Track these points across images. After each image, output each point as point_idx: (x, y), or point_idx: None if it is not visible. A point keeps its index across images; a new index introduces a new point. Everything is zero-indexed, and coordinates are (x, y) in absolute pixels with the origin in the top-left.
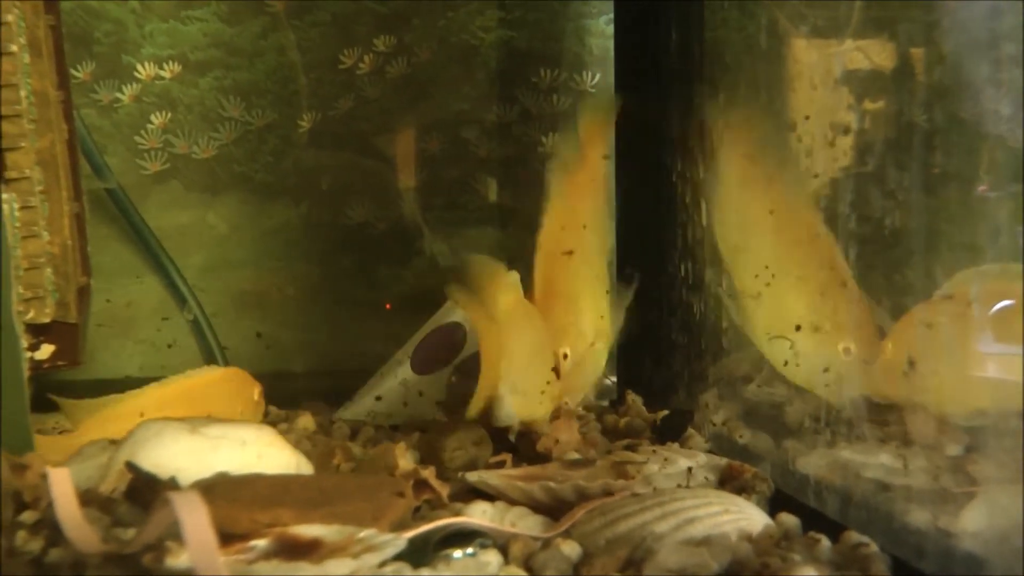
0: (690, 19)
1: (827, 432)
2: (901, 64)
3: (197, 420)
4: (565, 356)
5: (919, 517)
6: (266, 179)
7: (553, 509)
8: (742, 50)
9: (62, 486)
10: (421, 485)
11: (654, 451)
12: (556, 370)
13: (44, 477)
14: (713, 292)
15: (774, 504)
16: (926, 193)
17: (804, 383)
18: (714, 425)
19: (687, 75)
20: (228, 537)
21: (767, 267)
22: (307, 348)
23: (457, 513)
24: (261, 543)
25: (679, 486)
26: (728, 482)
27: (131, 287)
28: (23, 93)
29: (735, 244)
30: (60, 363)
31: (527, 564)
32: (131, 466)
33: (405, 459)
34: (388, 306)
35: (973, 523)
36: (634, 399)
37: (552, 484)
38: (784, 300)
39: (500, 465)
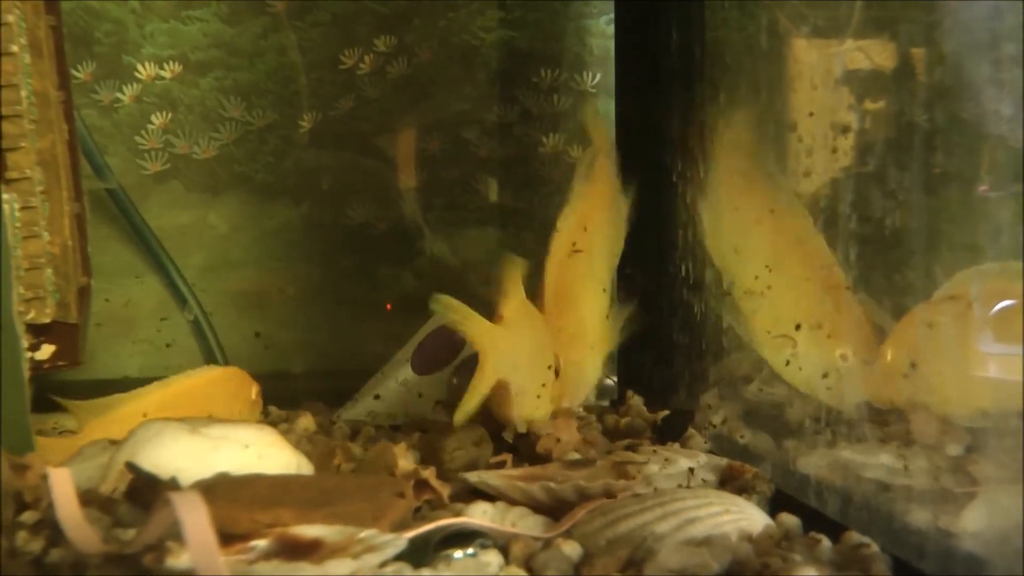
0: (691, 19)
1: (827, 432)
2: (902, 64)
3: (197, 420)
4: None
5: (920, 517)
6: (267, 179)
7: (554, 509)
8: (742, 50)
9: (63, 486)
10: (421, 485)
11: (655, 451)
12: (556, 371)
13: (45, 477)
14: (714, 292)
15: (775, 504)
16: (927, 193)
17: (804, 387)
18: (714, 426)
19: (687, 75)
20: (228, 537)
21: (758, 277)
22: (307, 348)
23: (458, 513)
24: (261, 543)
25: (680, 486)
26: (729, 482)
27: (131, 287)
28: (24, 93)
29: (731, 247)
30: (60, 363)
31: (528, 564)
32: (131, 466)
33: (405, 459)
34: (389, 306)
35: (974, 523)
36: (635, 399)
37: (553, 484)
38: (778, 305)
39: (500, 465)
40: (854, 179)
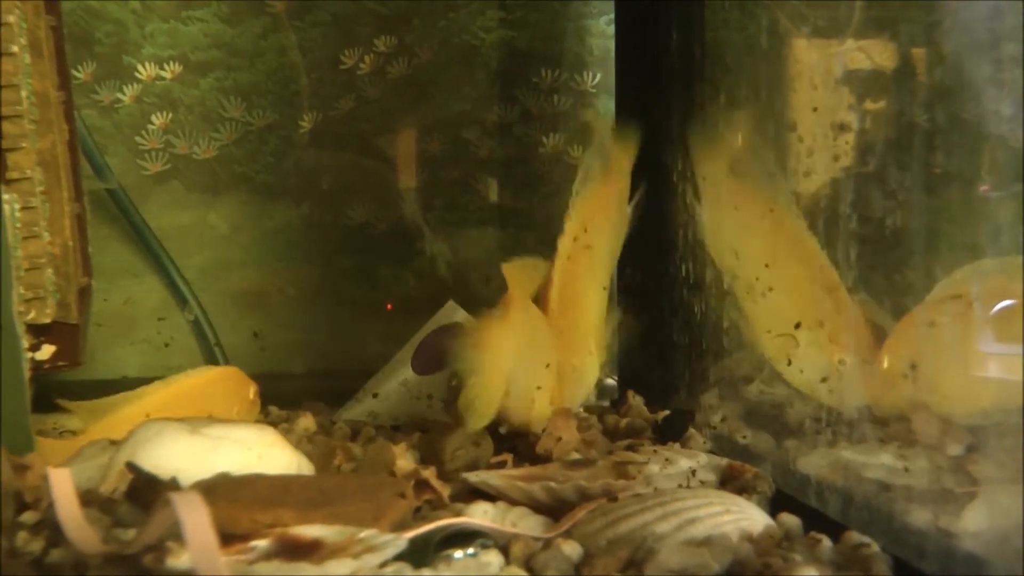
0: (691, 19)
1: (828, 432)
2: (902, 64)
3: (197, 420)
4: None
5: (920, 517)
6: (267, 179)
7: (554, 509)
8: (743, 51)
9: (63, 487)
10: (422, 485)
11: (655, 451)
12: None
13: (45, 478)
14: (714, 292)
15: (775, 504)
16: (927, 193)
17: (805, 388)
18: (713, 428)
19: (687, 75)
20: (229, 537)
21: (759, 278)
22: (307, 348)
23: (458, 513)
24: (262, 543)
25: (680, 486)
26: (729, 482)
27: (132, 287)
28: (24, 94)
29: (731, 247)
30: (61, 363)
31: (528, 564)
32: (132, 466)
33: (406, 459)
34: (389, 307)
35: (974, 523)
36: (635, 399)
37: (553, 484)
38: (779, 305)
39: (501, 465)
40: (854, 179)
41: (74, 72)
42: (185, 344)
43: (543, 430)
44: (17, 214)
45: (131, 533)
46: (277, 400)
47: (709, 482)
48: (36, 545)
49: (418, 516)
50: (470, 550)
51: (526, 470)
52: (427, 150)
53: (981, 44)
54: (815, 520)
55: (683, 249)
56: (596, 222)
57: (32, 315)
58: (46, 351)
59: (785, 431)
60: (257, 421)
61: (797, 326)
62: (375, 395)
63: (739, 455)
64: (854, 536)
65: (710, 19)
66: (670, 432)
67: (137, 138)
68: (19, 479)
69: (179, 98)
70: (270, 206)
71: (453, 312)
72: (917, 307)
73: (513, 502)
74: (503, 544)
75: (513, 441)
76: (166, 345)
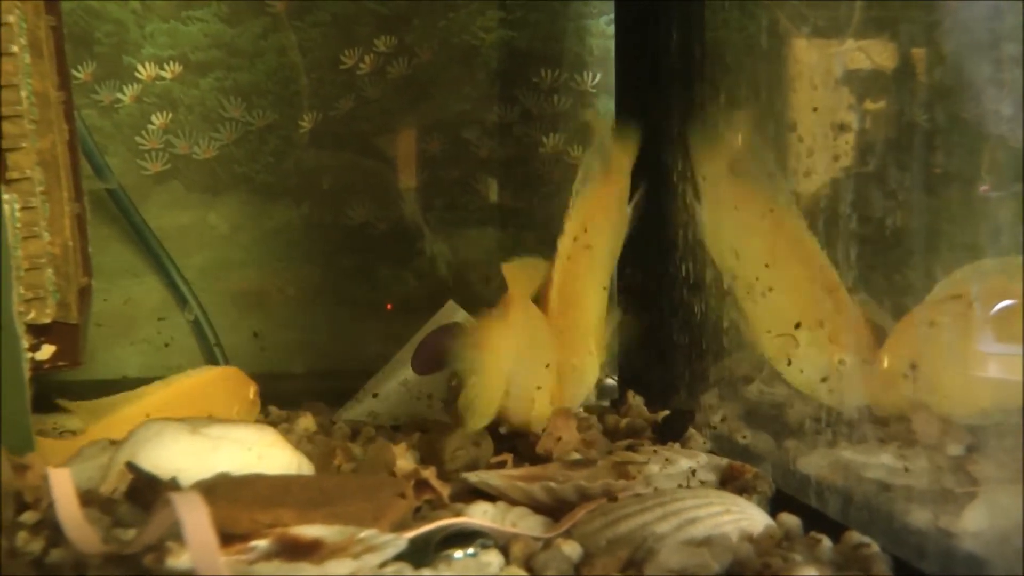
0: (691, 19)
1: (828, 432)
2: (902, 64)
3: (198, 420)
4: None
5: (920, 517)
6: (267, 179)
7: (554, 509)
8: (743, 51)
9: (63, 487)
10: (422, 485)
11: (655, 451)
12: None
13: (45, 478)
14: (714, 292)
15: (775, 504)
16: (927, 193)
17: (806, 388)
18: (713, 428)
19: (687, 75)
20: (229, 537)
21: (758, 278)
22: (308, 349)
23: (458, 513)
24: (262, 543)
25: (680, 486)
26: (729, 482)
27: (132, 287)
28: (24, 94)
29: (731, 247)
30: (61, 363)
31: (528, 564)
32: (132, 466)
33: (406, 459)
34: (389, 307)
35: (974, 523)
36: (635, 399)
37: (553, 484)
38: (779, 304)
39: (501, 465)
40: (854, 179)
41: (74, 72)
42: (185, 344)
43: (543, 430)
44: (17, 214)
45: (131, 533)
46: (277, 400)
47: (709, 482)
48: (36, 545)
49: (418, 516)
50: (470, 550)
51: (526, 470)
52: (427, 150)
53: (981, 44)
54: (815, 520)
55: (683, 249)
56: (596, 222)
57: (32, 315)
58: (46, 351)
59: (785, 431)
60: (257, 421)
61: (797, 326)
62: (375, 395)
63: (739, 455)
64: (854, 536)
65: (710, 19)
66: (670, 432)
67: (137, 138)
68: (19, 479)
69: (179, 98)
70: (270, 206)
71: (453, 312)
72: (917, 307)
73: (513, 502)
74: (503, 544)
75: (513, 441)
76: (166, 345)
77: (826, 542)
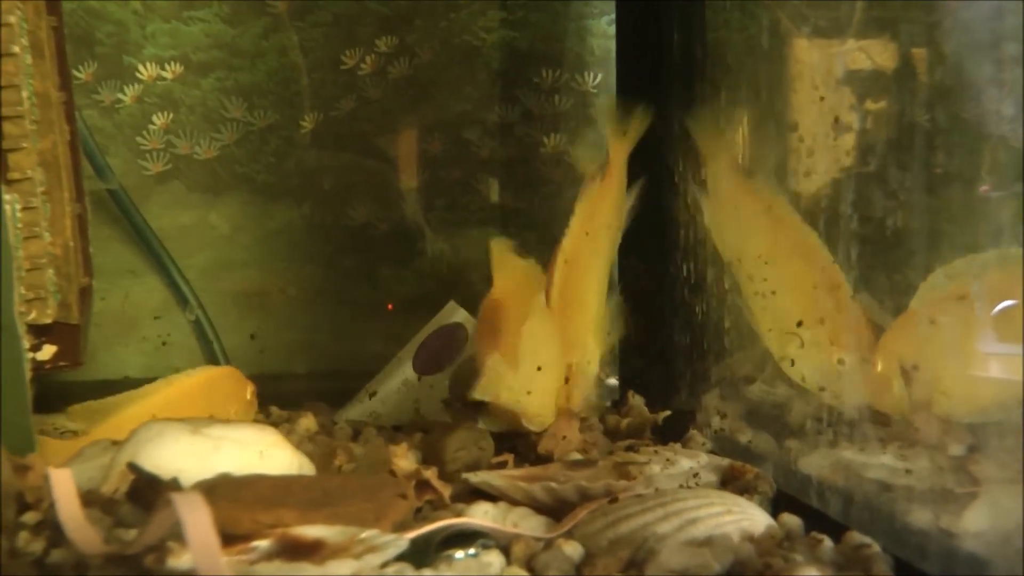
0: (692, 20)
1: (829, 432)
2: (902, 64)
3: (198, 421)
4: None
5: (921, 517)
6: (268, 180)
7: (555, 510)
8: (744, 51)
9: (64, 487)
10: (423, 486)
11: (656, 452)
12: (566, 378)
13: (46, 478)
14: (715, 293)
15: (776, 505)
16: (927, 193)
17: (809, 386)
18: (716, 430)
19: (688, 75)
20: (230, 538)
21: (766, 279)
22: (309, 349)
23: (459, 514)
24: (263, 544)
25: (681, 487)
26: (730, 482)
27: (133, 288)
28: (25, 94)
29: (735, 246)
30: (62, 364)
31: (529, 565)
32: (133, 467)
33: (407, 460)
34: (390, 307)
35: (975, 523)
36: (636, 400)
37: (554, 485)
38: (779, 306)
39: (502, 466)
40: (855, 179)
41: (75, 72)
42: (186, 344)
43: (544, 430)
44: (18, 214)
45: (132, 533)
46: (278, 400)
47: (710, 482)
48: (37, 545)
49: (419, 516)
50: (471, 550)
51: (527, 470)
52: (428, 150)
53: (981, 44)
54: (816, 520)
55: (684, 249)
56: (596, 216)
57: (33, 315)
58: (47, 351)
59: (786, 431)
60: (258, 421)
61: (799, 324)
62: (373, 393)
63: (740, 455)
64: (855, 536)
65: (711, 19)
66: (671, 432)
67: (138, 138)
68: (20, 479)
69: (180, 98)
70: (271, 206)
71: (454, 312)
72: (912, 304)
73: (514, 502)
74: (504, 544)
75: (514, 441)
76: (163, 344)
77: (827, 542)
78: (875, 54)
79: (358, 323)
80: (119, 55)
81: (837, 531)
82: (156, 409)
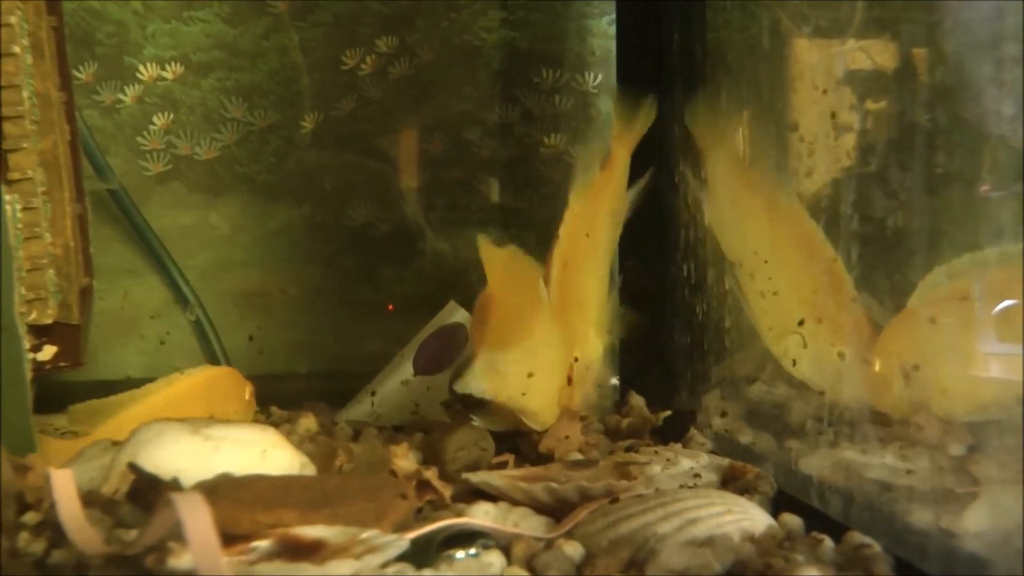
0: (692, 20)
1: (829, 432)
2: (903, 64)
3: (199, 421)
4: (576, 360)
5: (922, 517)
6: (268, 180)
7: (556, 510)
8: (744, 51)
9: (64, 487)
10: (423, 486)
11: (656, 452)
12: (569, 378)
13: (47, 478)
14: (715, 293)
15: (776, 505)
16: (928, 193)
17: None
18: (716, 430)
19: (689, 75)
20: (230, 538)
21: (771, 278)
22: (309, 349)
23: (460, 514)
24: (263, 544)
25: (681, 487)
26: (731, 482)
27: (133, 288)
28: (25, 94)
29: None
30: (62, 364)
31: (530, 565)
32: (133, 467)
33: (407, 460)
34: (390, 307)
35: (976, 523)
36: (636, 400)
37: (555, 485)
38: (781, 300)
39: (502, 466)
40: (855, 179)
41: (75, 73)
42: (186, 344)
43: (545, 429)
44: (18, 215)
45: (133, 534)
46: (279, 400)
47: (711, 482)
48: (38, 546)
49: (420, 517)
50: (472, 550)
51: (528, 471)
52: (428, 150)
53: (982, 44)
54: (817, 520)
55: (684, 249)
56: (595, 209)
57: (33, 316)
58: (48, 352)
59: (787, 431)
60: (259, 421)
61: (801, 323)
62: (373, 393)
63: (740, 455)
64: (856, 536)
65: (711, 19)
66: (671, 432)
67: (138, 139)
68: (21, 480)
69: (180, 99)
70: (272, 206)
71: (454, 312)
72: (910, 302)
73: (515, 502)
74: (505, 544)
75: (516, 441)
76: (162, 343)
77: (828, 542)
78: (875, 54)
79: (358, 323)
80: (119, 55)
81: (838, 531)
82: (156, 409)
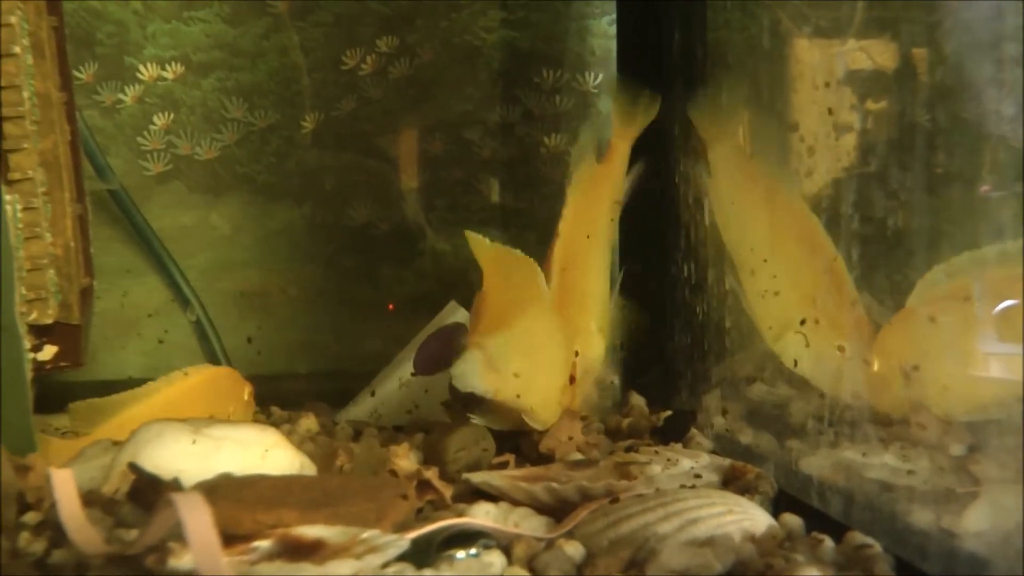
0: (692, 19)
1: (830, 432)
2: (903, 64)
3: (199, 421)
4: (576, 354)
5: (922, 517)
6: (269, 180)
7: (556, 510)
8: (744, 51)
9: (65, 487)
10: (424, 486)
11: (656, 452)
12: (571, 377)
13: (47, 478)
14: (716, 293)
15: (777, 505)
16: (928, 193)
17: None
18: (717, 431)
19: (689, 75)
20: (231, 538)
21: (775, 276)
22: (310, 349)
23: (460, 514)
24: (264, 544)
25: (682, 487)
26: (731, 482)
27: (133, 288)
28: (26, 94)
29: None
30: (63, 364)
31: (530, 565)
32: (134, 467)
33: (408, 460)
34: (391, 307)
35: (976, 523)
36: (637, 400)
37: (555, 485)
38: (782, 299)
39: (503, 466)
40: (856, 179)
41: (76, 73)
42: (187, 345)
43: (546, 428)
44: (19, 215)
45: (133, 534)
46: (279, 400)
47: (711, 482)
48: (38, 546)
49: (420, 517)
50: (472, 550)
51: (528, 471)
52: (429, 150)
53: (982, 44)
54: (817, 520)
55: (685, 250)
56: (594, 203)
57: (34, 316)
58: (48, 352)
59: (787, 431)
60: (259, 421)
61: (802, 323)
62: (372, 393)
63: (741, 455)
64: (856, 536)
65: (712, 19)
66: (672, 432)
67: (139, 139)
68: (21, 480)
69: (181, 99)
70: (272, 207)
71: (454, 312)
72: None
73: (515, 502)
74: (505, 544)
75: (515, 441)
76: (160, 342)
77: (828, 542)
78: (876, 54)
79: (359, 323)
80: (120, 55)
81: (838, 531)
82: (156, 409)
